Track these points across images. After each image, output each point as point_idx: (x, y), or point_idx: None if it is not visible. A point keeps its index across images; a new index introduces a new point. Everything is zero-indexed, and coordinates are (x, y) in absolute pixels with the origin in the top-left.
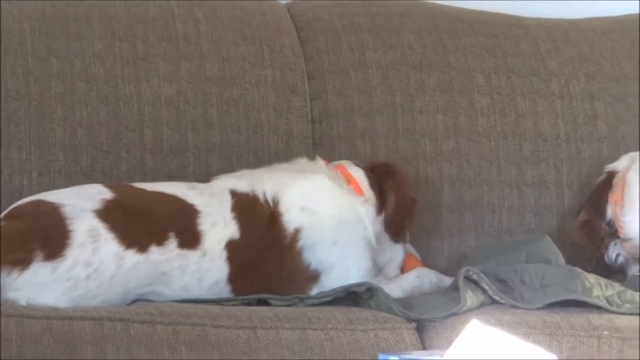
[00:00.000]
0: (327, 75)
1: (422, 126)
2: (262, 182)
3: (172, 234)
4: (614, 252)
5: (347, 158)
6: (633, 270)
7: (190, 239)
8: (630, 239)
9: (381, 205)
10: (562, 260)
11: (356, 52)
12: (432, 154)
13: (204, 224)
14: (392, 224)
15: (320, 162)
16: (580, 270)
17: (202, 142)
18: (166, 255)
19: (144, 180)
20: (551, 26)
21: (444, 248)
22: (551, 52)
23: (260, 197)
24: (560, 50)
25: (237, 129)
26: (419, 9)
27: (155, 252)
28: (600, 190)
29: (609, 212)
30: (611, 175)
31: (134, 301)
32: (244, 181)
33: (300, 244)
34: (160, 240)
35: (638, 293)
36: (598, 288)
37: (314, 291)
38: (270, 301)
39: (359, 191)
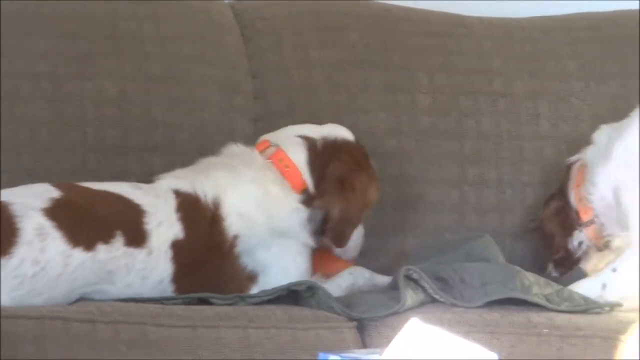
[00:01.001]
0: (271, 74)
1: (365, 125)
2: (202, 183)
3: (118, 233)
4: (577, 240)
5: None
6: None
7: (136, 237)
8: (594, 223)
9: (319, 195)
10: (501, 258)
11: (299, 51)
12: (374, 153)
13: (150, 223)
14: (332, 233)
15: (255, 154)
16: (519, 268)
17: (146, 141)
18: (113, 253)
19: (87, 179)
20: (494, 25)
21: (386, 246)
22: (494, 51)
23: (202, 198)
24: (503, 49)
25: (180, 128)
26: (363, 8)
27: (102, 251)
28: (563, 182)
29: (572, 200)
30: (568, 166)
31: (76, 300)
32: (186, 181)
33: (238, 249)
34: (107, 239)
35: (577, 292)
36: (537, 286)
37: (254, 292)
38: (212, 300)
39: (295, 182)
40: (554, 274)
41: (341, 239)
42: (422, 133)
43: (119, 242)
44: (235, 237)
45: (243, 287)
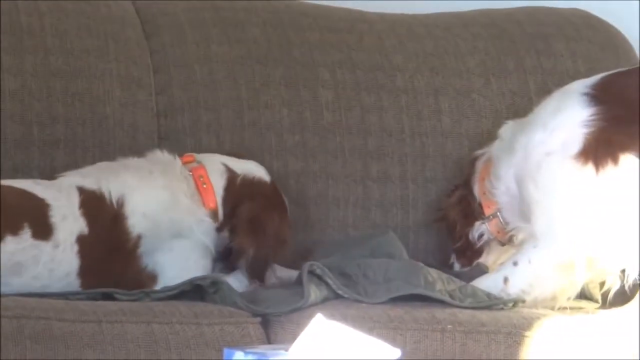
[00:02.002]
0: (173, 69)
1: (267, 120)
2: (108, 181)
3: (26, 225)
4: (477, 232)
5: (194, 151)
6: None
7: (43, 230)
8: (497, 218)
9: (226, 224)
10: (405, 255)
11: (201, 46)
12: (277, 148)
13: (55, 216)
14: (249, 271)
15: (177, 164)
16: (423, 265)
17: (47, 136)
18: (21, 245)
19: None
20: (395, 21)
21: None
22: (395, 47)
23: (107, 195)
24: (404, 46)
25: (82, 123)
26: (263, 3)
27: (10, 242)
28: (468, 175)
29: (476, 192)
30: (473, 160)
31: None
32: (90, 178)
33: (140, 249)
34: (15, 231)
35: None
36: (441, 283)
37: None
38: (116, 295)
39: (208, 200)
40: (456, 265)
41: (259, 277)
42: (325, 129)
43: (26, 233)
44: (139, 237)
45: (145, 286)
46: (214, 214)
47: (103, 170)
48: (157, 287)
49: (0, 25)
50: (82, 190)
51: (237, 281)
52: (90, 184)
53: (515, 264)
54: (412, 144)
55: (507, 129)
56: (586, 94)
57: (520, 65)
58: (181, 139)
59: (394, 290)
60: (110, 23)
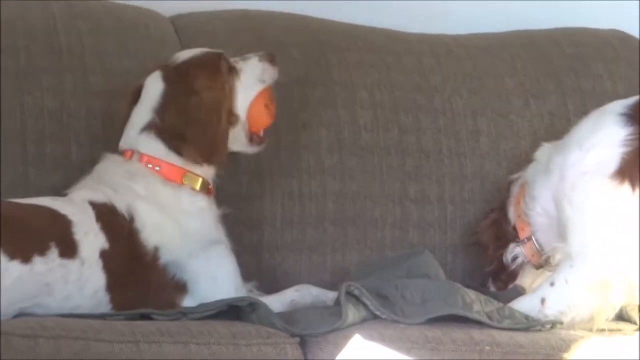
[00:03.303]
0: None
1: (305, 141)
2: (112, 194)
3: (52, 244)
4: (512, 254)
5: (234, 172)
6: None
7: (68, 248)
8: (531, 240)
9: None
10: (442, 275)
11: None
12: (315, 169)
13: (78, 233)
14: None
15: (135, 164)
16: (460, 285)
17: (86, 156)
18: (49, 265)
19: (26, 195)
20: (433, 42)
21: (327, 263)
22: (434, 68)
23: (118, 209)
24: (442, 66)
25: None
26: (302, 24)
27: (38, 262)
28: (503, 199)
29: (511, 216)
30: (509, 183)
31: (17, 316)
32: (97, 192)
33: (161, 261)
34: (42, 250)
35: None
36: (478, 304)
37: (186, 301)
38: (153, 316)
39: (174, 176)
40: (492, 288)
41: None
42: (363, 149)
43: (53, 253)
44: (156, 248)
45: (173, 298)
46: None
47: (98, 183)
48: (188, 297)
49: (1, 26)
50: (94, 205)
51: (276, 302)
52: (99, 197)
53: (552, 284)
54: (450, 164)
55: (543, 151)
56: (623, 114)
57: (559, 86)
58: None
59: (432, 311)
60: (149, 43)
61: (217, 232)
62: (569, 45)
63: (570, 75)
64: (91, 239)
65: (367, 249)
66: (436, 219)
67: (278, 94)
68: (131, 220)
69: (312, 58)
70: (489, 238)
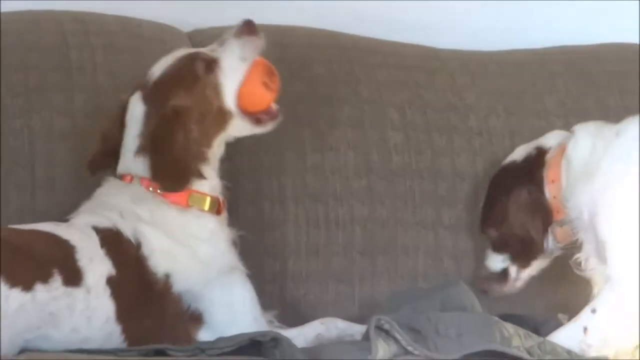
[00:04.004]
0: None
1: (332, 163)
2: (117, 219)
3: (55, 271)
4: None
5: (255, 197)
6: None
7: (73, 275)
8: (566, 224)
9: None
10: (479, 307)
11: None
12: (342, 193)
13: (82, 259)
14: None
15: (137, 187)
16: (498, 318)
17: (100, 181)
18: (52, 293)
19: (35, 220)
20: (467, 58)
21: (355, 294)
22: (468, 86)
23: (124, 234)
24: (477, 84)
25: None
26: (329, 39)
27: (41, 291)
28: (534, 168)
29: (547, 192)
30: (541, 152)
31: (22, 350)
32: (100, 217)
33: (174, 290)
34: (44, 278)
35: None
36: (518, 338)
37: (203, 333)
38: (169, 352)
39: (177, 198)
40: (512, 270)
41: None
42: (393, 172)
43: (57, 281)
44: (167, 276)
45: (189, 329)
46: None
47: (103, 206)
48: (205, 329)
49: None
50: (98, 230)
51: (299, 337)
52: (103, 222)
53: (593, 311)
54: (486, 189)
55: (585, 132)
56: None
57: (602, 104)
58: (241, 183)
59: (468, 346)
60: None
61: (231, 257)
62: (611, 62)
63: (614, 93)
64: (96, 265)
65: (398, 279)
66: (471, 247)
67: (303, 113)
68: (138, 246)
69: (339, 75)
70: (530, 219)
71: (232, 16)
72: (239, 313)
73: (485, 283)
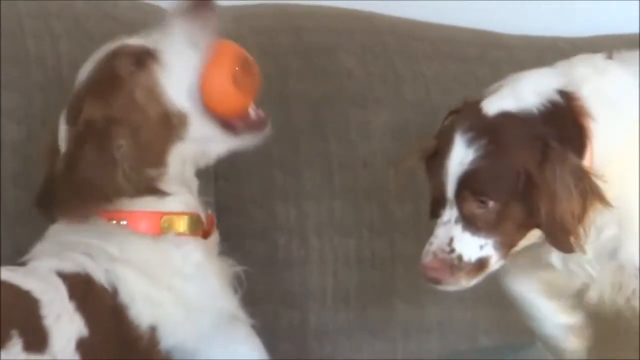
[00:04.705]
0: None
1: (366, 185)
2: (85, 261)
3: (15, 333)
4: None
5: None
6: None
7: (36, 338)
8: None
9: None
10: None
11: (276, 82)
12: (380, 225)
13: (49, 316)
14: None
15: (97, 220)
16: None
17: None
18: None
19: None
20: (544, 47)
21: (397, 351)
22: None
23: (96, 279)
24: None
25: None
26: (361, 23)
27: None
28: (568, 120)
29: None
30: (570, 98)
31: None
32: (64, 259)
33: (162, 346)
34: (2, 343)
35: None
36: None
37: None
38: None
39: (146, 225)
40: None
41: None
42: None
43: (16, 345)
44: (153, 329)
45: None
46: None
47: (67, 242)
48: None
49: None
50: (64, 277)
51: None
52: (69, 266)
53: None
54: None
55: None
56: None
57: None
58: (245, 208)
59: None
60: None
61: (228, 299)
62: None
63: None
64: (65, 324)
65: (452, 334)
66: None
67: (327, 118)
68: (114, 292)
69: (374, 70)
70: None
71: None
72: None
73: (447, 271)
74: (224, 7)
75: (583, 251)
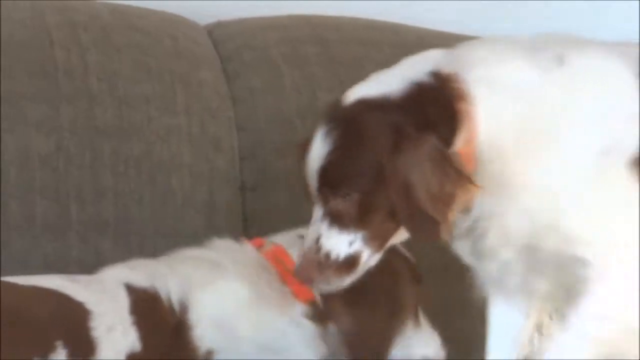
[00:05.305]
0: (264, 125)
1: None
2: (166, 277)
3: (59, 343)
4: None
5: None
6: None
7: (83, 349)
8: None
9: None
10: None
11: (303, 93)
12: None
13: (98, 328)
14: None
15: (247, 249)
16: None
17: (90, 218)
18: None
19: (9, 268)
20: None
21: None
22: None
23: (164, 297)
24: None
25: (138, 200)
26: (390, 34)
27: None
28: (437, 103)
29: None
30: (446, 80)
31: None
32: (141, 273)
33: None
34: (45, 353)
35: None
36: None
37: None
38: None
39: (300, 290)
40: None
41: None
42: None
43: (60, 355)
44: (210, 352)
45: None
46: (312, 310)
47: (157, 263)
48: None
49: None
50: (131, 290)
51: None
52: (141, 280)
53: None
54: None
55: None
56: None
57: None
58: (273, 219)
59: None
60: (177, 61)
61: None
62: None
63: None
64: (117, 336)
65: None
66: None
67: None
68: (183, 311)
69: None
70: None
71: (261, 4)
72: None
73: (315, 271)
74: (251, 19)
75: (449, 237)
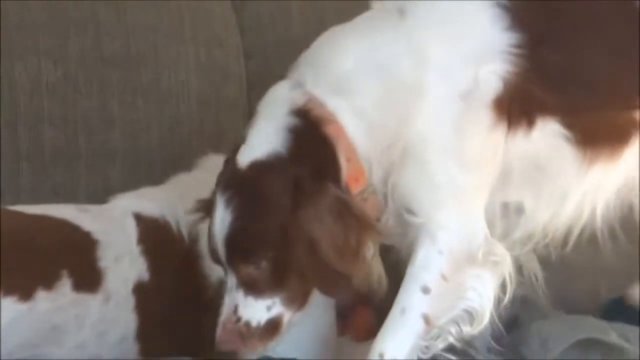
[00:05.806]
0: (271, 53)
1: None
2: (175, 206)
3: (64, 273)
4: None
5: None
6: None
7: (88, 278)
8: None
9: None
10: None
11: (311, 19)
12: None
13: (105, 258)
14: None
15: None
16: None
17: (99, 147)
18: (58, 302)
19: (18, 196)
20: None
21: None
22: None
23: (174, 225)
24: None
25: (146, 128)
26: None
27: (43, 300)
28: (313, 138)
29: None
30: (307, 113)
31: None
32: (150, 202)
33: None
34: (49, 282)
35: None
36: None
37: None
38: None
39: None
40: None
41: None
42: None
43: (65, 285)
44: (220, 282)
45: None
46: None
47: (164, 190)
48: None
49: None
50: (140, 219)
51: None
52: (150, 209)
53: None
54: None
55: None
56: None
57: None
58: None
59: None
60: None
61: None
62: None
63: None
64: (124, 266)
65: None
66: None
67: None
68: (193, 241)
69: None
70: None
71: None
72: (304, 335)
73: (238, 341)
74: None
75: (365, 284)
